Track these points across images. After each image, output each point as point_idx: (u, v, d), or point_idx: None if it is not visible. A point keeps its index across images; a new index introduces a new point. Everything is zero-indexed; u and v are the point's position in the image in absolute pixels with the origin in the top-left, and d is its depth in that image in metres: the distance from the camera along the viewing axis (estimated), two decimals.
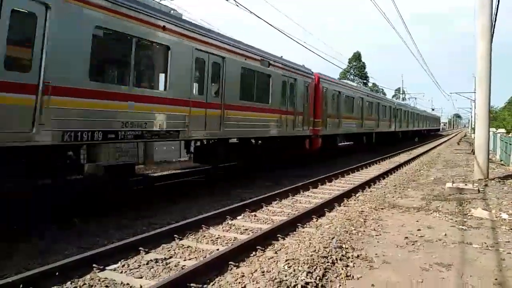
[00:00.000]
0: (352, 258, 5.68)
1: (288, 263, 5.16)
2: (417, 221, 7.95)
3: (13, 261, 5.50)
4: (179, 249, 6.00)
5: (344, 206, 9.34)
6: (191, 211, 8.54)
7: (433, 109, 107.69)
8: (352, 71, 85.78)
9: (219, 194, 10.67)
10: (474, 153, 14.88)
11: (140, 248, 5.75)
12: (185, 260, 5.58)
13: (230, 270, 5.14)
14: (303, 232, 7.06)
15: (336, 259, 5.53)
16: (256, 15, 17.84)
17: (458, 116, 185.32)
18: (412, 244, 6.41)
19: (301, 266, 5.05)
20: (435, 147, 35.27)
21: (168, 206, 9.08)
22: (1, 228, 6.32)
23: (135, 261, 5.42)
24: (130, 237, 6.32)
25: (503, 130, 29.94)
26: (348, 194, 10.51)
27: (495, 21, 13.36)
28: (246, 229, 7.19)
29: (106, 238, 6.59)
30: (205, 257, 5.60)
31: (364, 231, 7.08)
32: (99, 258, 5.24)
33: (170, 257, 5.65)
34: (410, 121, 43.53)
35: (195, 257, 5.69)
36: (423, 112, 56.17)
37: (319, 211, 8.49)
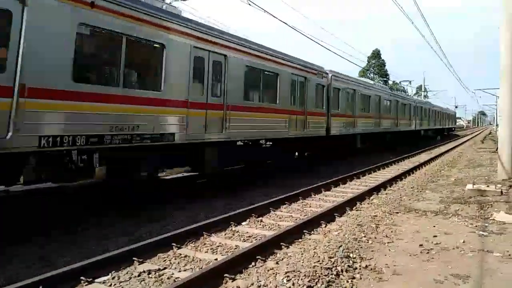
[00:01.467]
0: (360, 269, 5.26)
1: (288, 276, 4.78)
2: (434, 226, 7.44)
3: (6, 269, 5.34)
4: (175, 259, 5.69)
5: (356, 210, 8.87)
6: (197, 217, 8.26)
7: (456, 107, 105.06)
8: (371, 69, 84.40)
9: (231, 197, 10.36)
10: (498, 152, 14.10)
11: (134, 258, 5.47)
12: (180, 271, 5.26)
13: (225, 283, 4.80)
14: (309, 239, 6.66)
15: (342, 270, 5.12)
16: (274, 16, 17.53)
17: (483, 113, 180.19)
18: (427, 253, 5.93)
19: (302, 279, 4.66)
20: (458, 145, 34.10)
21: (174, 211, 8.81)
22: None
23: (126, 273, 5.13)
24: (128, 244, 6.07)
25: None
26: (361, 197, 10.04)
27: None
28: (249, 236, 6.84)
29: (104, 245, 6.38)
30: (201, 268, 5.28)
31: (375, 238, 6.63)
32: (90, 269, 4.98)
33: (165, 268, 5.34)
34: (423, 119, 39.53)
35: (191, 268, 5.37)
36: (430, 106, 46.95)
37: (329, 216, 8.06)
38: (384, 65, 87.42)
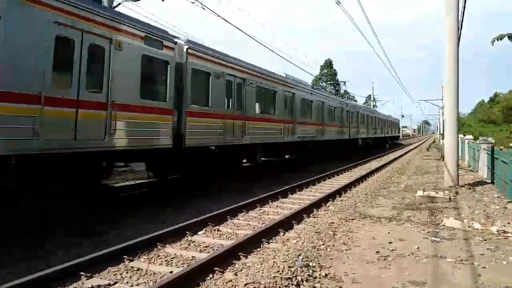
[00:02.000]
0: (320, 278, 5.19)
1: None
2: (389, 232, 7.56)
3: None
4: (127, 272, 5.32)
5: (314, 218, 8.86)
6: (147, 227, 7.86)
7: (402, 116, 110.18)
8: (323, 78, 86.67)
9: (184, 205, 10.00)
10: (443, 160, 14.80)
11: (82, 272, 5.05)
12: (132, 286, 4.91)
13: None
14: (268, 248, 6.50)
15: (302, 280, 5.02)
16: (224, 19, 17.41)
17: (427, 122, 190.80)
18: (384, 259, 5.98)
19: None
20: (405, 153, 35.63)
21: (127, 220, 8.35)
22: None
23: None
24: (74, 258, 5.61)
25: (470, 137, 30.53)
26: (318, 204, 10.07)
27: (462, 22, 13.36)
28: (206, 246, 6.57)
29: (48, 259, 5.86)
30: (155, 281, 4.96)
31: (333, 245, 6.61)
32: (33, 286, 4.52)
33: (115, 283, 4.97)
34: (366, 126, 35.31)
35: (145, 282, 5.03)
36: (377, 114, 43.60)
37: (287, 223, 7.98)
38: (336, 75, 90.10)
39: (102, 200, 9.51)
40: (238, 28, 21.59)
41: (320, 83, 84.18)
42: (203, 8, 16.96)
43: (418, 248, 6.54)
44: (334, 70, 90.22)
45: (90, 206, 8.74)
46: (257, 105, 15.08)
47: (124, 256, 5.72)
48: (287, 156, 22.39)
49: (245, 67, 14.08)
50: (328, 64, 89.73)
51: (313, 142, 21.49)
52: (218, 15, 18.56)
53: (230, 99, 13.15)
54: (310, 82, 45.51)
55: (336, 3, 19.02)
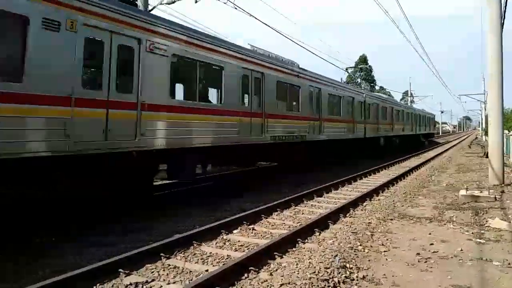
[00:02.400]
0: (357, 280, 5.05)
1: None
2: (430, 233, 7.27)
3: None
4: (164, 270, 5.39)
5: (350, 217, 8.67)
6: (185, 224, 7.98)
7: (442, 112, 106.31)
8: (358, 74, 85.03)
9: (219, 203, 10.07)
10: (487, 157, 14.11)
11: (120, 270, 5.16)
12: (168, 283, 4.98)
13: None
14: (304, 248, 6.41)
15: (339, 281, 4.91)
16: (255, 18, 17.38)
17: (468, 118, 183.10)
18: (425, 262, 5.75)
19: None
20: (446, 150, 34.32)
21: (164, 218, 8.50)
22: None
23: (112, 286, 4.84)
24: (114, 255, 5.76)
25: None
26: (354, 203, 9.85)
27: (505, 11, 12.70)
28: (241, 245, 6.56)
29: (88, 256, 6.04)
30: (190, 280, 5.00)
31: (371, 246, 6.43)
32: (72, 282, 4.67)
33: (153, 280, 5.06)
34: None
35: (181, 280, 5.08)
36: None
37: (322, 223, 7.84)
38: (371, 71, 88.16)
39: (141, 199, 9.73)
40: (271, 28, 21.48)
41: (355, 80, 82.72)
42: (235, 8, 17.03)
43: (461, 250, 6.25)
44: (369, 66, 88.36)
45: (130, 204, 8.97)
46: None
47: (161, 254, 5.81)
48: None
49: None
50: (363, 60, 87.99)
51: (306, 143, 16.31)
52: (250, 15, 18.58)
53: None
54: (344, 79, 44.56)
55: None
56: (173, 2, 17.27)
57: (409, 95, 77.33)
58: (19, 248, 6.34)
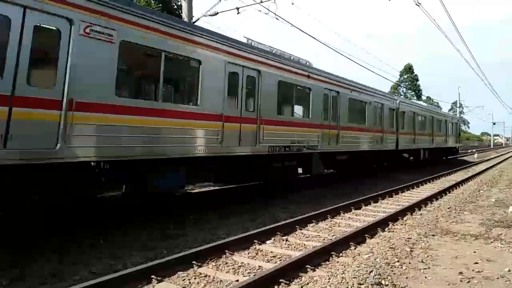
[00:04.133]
0: None
1: None
2: (475, 251, 6.85)
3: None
4: (195, 278, 5.42)
5: (389, 232, 8.35)
6: (220, 232, 8.02)
7: (494, 123, 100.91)
8: (403, 84, 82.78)
9: (253, 212, 10.04)
10: None
11: (153, 276, 5.25)
12: None
13: None
14: (338, 262, 6.23)
15: None
16: (300, 29, 17.41)
17: None
18: (468, 282, 5.42)
19: None
20: (497, 164, 32.43)
21: (198, 225, 8.59)
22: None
23: None
24: (149, 261, 5.89)
25: None
26: (394, 218, 9.48)
27: None
28: (274, 256, 6.48)
29: (124, 261, 6.20)
30: None
31: (409, 263, 6.14)
32: (104, 286, 4.80)
33: None
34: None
35: None
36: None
37: (358, 237, 7.60)
38: (417, 80, 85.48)
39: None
40: (314, 38, 21.38)
41: (400, 90, 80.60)
42: (277, 19, 17.14)
43: (509, 270, 5.83)
44: (415, 75, 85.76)
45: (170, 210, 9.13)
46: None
47: (194, 262, 5.85)
48: None
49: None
50: (408, 70, 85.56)
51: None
52: (292, 25, 18.64)
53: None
54: (388, 89, 43.39)
55: (416, 4, 18.07)
56: (216, 14, 17.69)
57: (457, 105, 74.09)
58: (67, 248, 6.62)
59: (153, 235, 7.74)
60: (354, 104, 16.58)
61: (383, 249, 6.78)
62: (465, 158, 41.40)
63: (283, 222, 8.32)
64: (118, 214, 9.01)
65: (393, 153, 21.43)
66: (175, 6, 20.17)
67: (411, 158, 25.08)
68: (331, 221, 9.28)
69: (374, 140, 18.36)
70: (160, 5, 18.32)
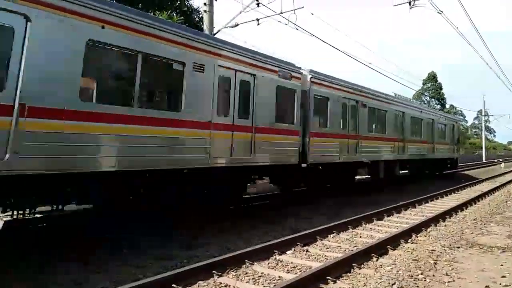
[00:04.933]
0: None
1: None
2: (502, 265, 6.65)
3: None
4: (215, 287, 5.45)
5: (412, 243, 8.18)
6: (236, 242, 8.04)
7: None
8: (426, 92, 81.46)
9: (271, 222, 10.02)
10: None
11: (174, 285, 5.29)
12: None
13: None
14: (359, 274, 6.13)
15: None
16: (317, 37, 17.46)
17: None
18: None
19: None
20: None
21: (218, 235, 8.62)
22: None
23: None
24: (169, 270, 5.94)
25: None
26: (417, 229, 9.29)
27: None
28: (294, 267, 6.45)
29: (146, 270, 6.28)
30: None
31: (433, 276, 5.99)
32: None
33: None
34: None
35: None
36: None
37: (381, 248, 7.47)
38: (441, 88, 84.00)
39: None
40: (334, 47, 21.39)
41: (423, 98, 79.34)
42: (297, 29, 17.25)
43: None
44: (439, 83, 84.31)
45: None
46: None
47: (214, 271, 5.87)
48: None
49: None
50: (432, 78, 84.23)
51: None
52: (312, 35, 18.69)
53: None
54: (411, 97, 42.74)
55: (438, 12, 17.87)
56: (236, 25, 17.92)
57: (483, 113, 72.26)
58: (92, 256, 6.76)
59: (173, 245, 7.81)
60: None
61: (406, 261, 6.65)
62: (492, 167, 40.25)
63: (303, 232, 8.27)
64: (139, 224, 9.10)
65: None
66: (197, 19, 20.51)
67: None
68: (352, 231, 9.17)
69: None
70: (182, 18, 18.66)
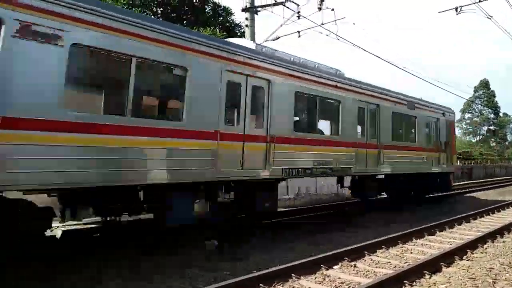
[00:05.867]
0: None
1: None
2: None
3: None
4: None
5: (467, 260, 7.74)
6: (280, 256, 7.99)
7: None
8: (478, 100, 77.75)
9: (313, 236, 9.88)
10: None
11: None
12: None
13: None
14: None
15: None
16: (363, 49, 17.25)
17: None
18: None
19: None
20: None
21: (258, 248, 8.61)
22: None
23: None
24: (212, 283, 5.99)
25: None
26: (473, 245, 8.78)
27: None
28: (342, 282, 6.29)
29: (190, 280, 6.38)
30: None
31: None
32: None
33: None
34: None
35: None
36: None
37: (433, 265, 7.12)
38: (494, 96, 79.88)
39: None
40: (377, 56, 21.01)
41: (473, 107, 75.81)
42: (338, 39, 17.14)
43: None
44: (492, 91, 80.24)
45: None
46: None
47: (261, 284, 5.85)
48: None
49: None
50: (484, 85, 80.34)
51: None
52: (354, 44, 18.48)
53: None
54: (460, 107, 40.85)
55: (488, 17, 17.13)
56: (278, 38, 18.10)
57: None
58: (139, 263, 6.97)
59: (215, 256, 7.89)
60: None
61: (461, 279, 6.30)
62: None
63: (351, 247, 8.06)
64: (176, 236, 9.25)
65: None
66: (239, 33, 20.93)
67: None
68: (402, 247, 8.82)
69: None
70: (225, 33, 19.12)
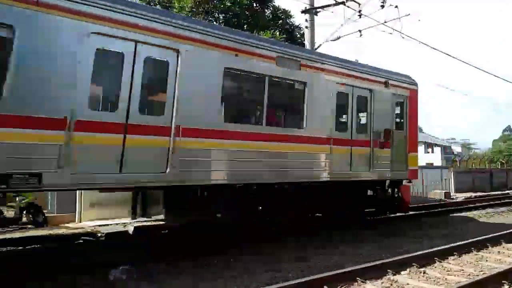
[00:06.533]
0: None
1: None
2: None
3: None
4: None
5: None
6: (341, 259, 7.84)
7: None
8: None
9: (381, 241, 9.55)
10: None
11: None
12: None
13: None
14: None
15: None
16: (428, 45, 16.47)
17: None
18: None
19: None
20: None
21: (320, 250, 8.51)
22: None
23: None
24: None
25: None
26: None
27: None
28: None
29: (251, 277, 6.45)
30: None
31: None
32: None
33: None
34: None
35: None
36: None
37: None
38: None
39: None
40: (447, 54, 19.93)
41: None
42: (402, 37, 16.50)
43: None
44: None
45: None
46: None
47: (325, 287, 5.77)
48: None
49: None
50: None
51: None
52: (420, 42, 17.73)
53: None
54: None
55: None
56: (338, 38, 17.75)
57: None
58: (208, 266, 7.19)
59: (276, 257, 7.91)
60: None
61: None
62: None
63: (420, 252, 7.71)
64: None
65: None
66: (298, 35, 20.84)
67: None
68: (476, 254, 8.25)
69: None
70: (285, 35, 19.13)
